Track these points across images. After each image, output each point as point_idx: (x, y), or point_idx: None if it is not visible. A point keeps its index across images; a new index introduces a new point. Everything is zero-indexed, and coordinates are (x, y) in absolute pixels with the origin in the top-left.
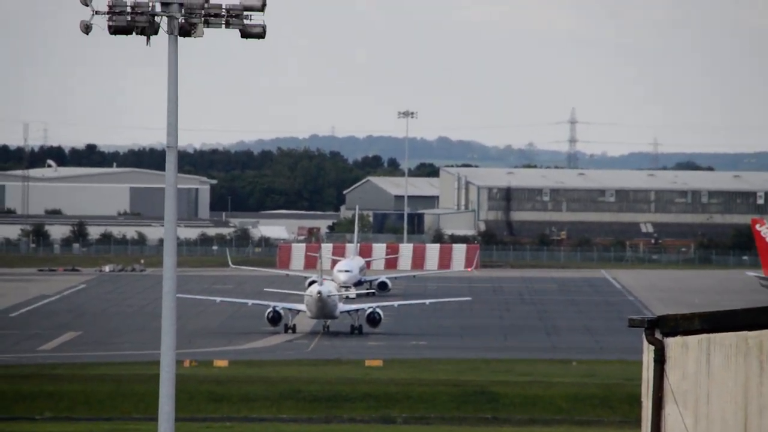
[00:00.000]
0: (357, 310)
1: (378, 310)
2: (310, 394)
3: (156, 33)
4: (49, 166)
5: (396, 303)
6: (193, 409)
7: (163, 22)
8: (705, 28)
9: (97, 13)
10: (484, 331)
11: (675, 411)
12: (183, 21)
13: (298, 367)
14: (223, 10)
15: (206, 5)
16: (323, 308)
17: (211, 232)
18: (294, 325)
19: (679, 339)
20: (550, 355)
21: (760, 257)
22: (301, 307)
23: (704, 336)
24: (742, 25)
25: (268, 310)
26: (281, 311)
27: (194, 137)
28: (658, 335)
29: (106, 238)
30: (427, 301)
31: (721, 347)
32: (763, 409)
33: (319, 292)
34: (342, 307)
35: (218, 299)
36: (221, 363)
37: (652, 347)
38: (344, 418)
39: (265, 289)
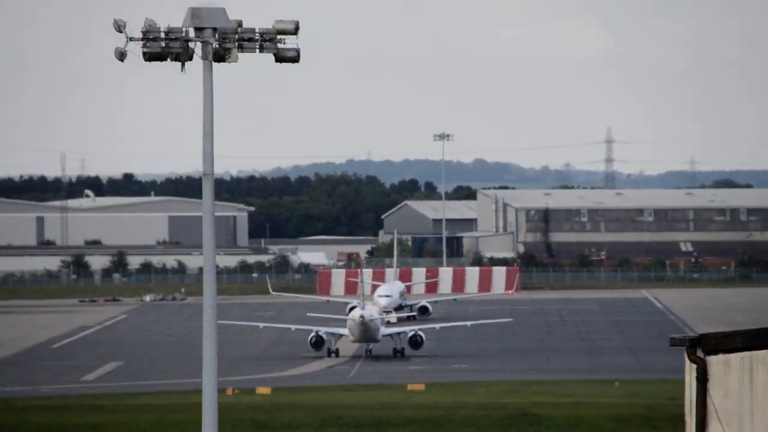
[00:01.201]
0: (399, 334)
1: (420, 332)
2: (352, 420)
3: (190, 59)
4: (87, 196)
5: (438, 326)
6: None
7: (198, 47)
8: (740, 43)
9: (131, 39)
10: (526, 353)
11: (719, 429)
12: (217, 46)
13: (340, 392)
14: (257, 35)
15: (240, 30)
16: (366, 332)
17: (251, 259)
18: (337, 349)
19: (721, 357)
20: (592, 376)
21: None
22: (344, 331)
23: (746, 354)
24: None
25: (311, 335)
26: (324, 336)
27: (231, 164)
28: (699, 354)
29: (146, 267)
30: (469, 323)
31: (764, 365)
32: None
33: (362, 316)
34: (384, 330)
35: (261, 325)
36: (264, 390)
37: (694, 366)
38: None
39: (308, 314)
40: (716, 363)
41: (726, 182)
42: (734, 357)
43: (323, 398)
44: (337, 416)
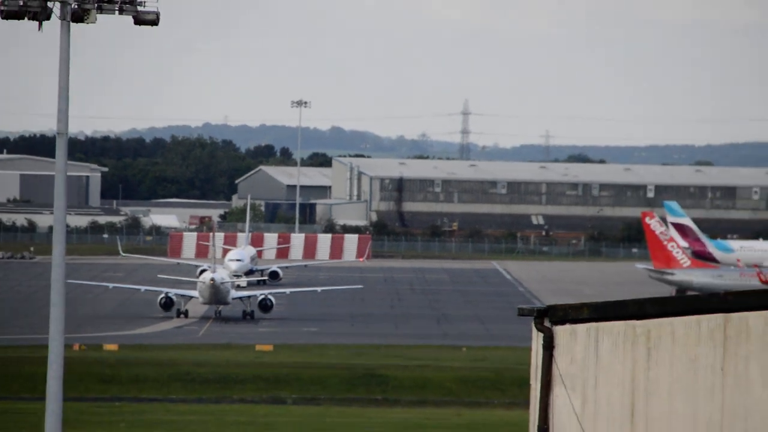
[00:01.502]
0: (249, 297)
1: (270, 296)
2: (200, 376)
3: (48, 18)
4: None
5: (288, 290)
6: (82, 389)
7: (56, 7)
8: (600, 21)
9: None
10: (375, 319)
11: (563, 393)
12: (76, 6)
13: (188, 351)
14: None
15: None
16: (216, 294)
17: (102, 220)
18: (186, 310)
19: (567, 327)
20: (441, 342)
21: (649, 250)
22: (194, 293)
23: (593, 324)
24: (637, 17)
25: (161, 296)
26: (174, 297)
27: (86, 124)
28: (547, 323)
29: None
30: (319, 289)
31: (609, 335)
32: (650, 393)
33: (212, 279)
34: (234, 293)
35: (111, 285)
36: (111, 347)
37: (541, 334)
38: (234, 399)
39: (158, 276)
40: (563, 332)
41: (579, 157)
42: (581, 327)
43: (171, 356)
44: (184, 372)
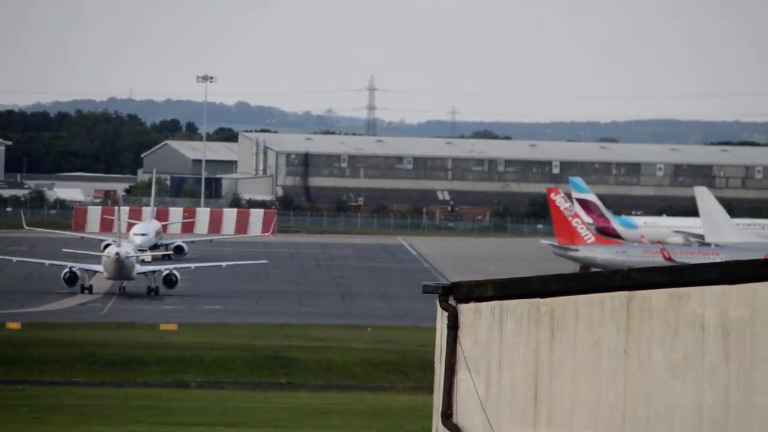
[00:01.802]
0: (154, 272)
1: (175, 271)
2: (103, 358)
3: None
4: None
5: (193, 265)
6: None
7: None
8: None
9: None
10: (280, 296)
11: (467, 377)
12: None
13: (91, 330)
14: None
15: None
16: (121, 269)
17: (6, 193)
18: (91, 285)
19: (472, 305)
20: (346, 321)
21: (554, 226)
22: (98, 268)
23: (497, 303)
24: None
25: (65, 270)
26: (78, 272)
27: None
28: (451, 302)
29: None
30: (224, 264)
31: (514, 314)
32: (553, 375)
33: (117, 253)
34: (139, 268)
35: (14, 259)
36: (14, 325)
37: (445, 314)
38: (138, 382)
39: (62, 250)
40: (467, 311)
41: (485, 133)
42: (485, 306)
43: (75, 335)
44: (88, 353)
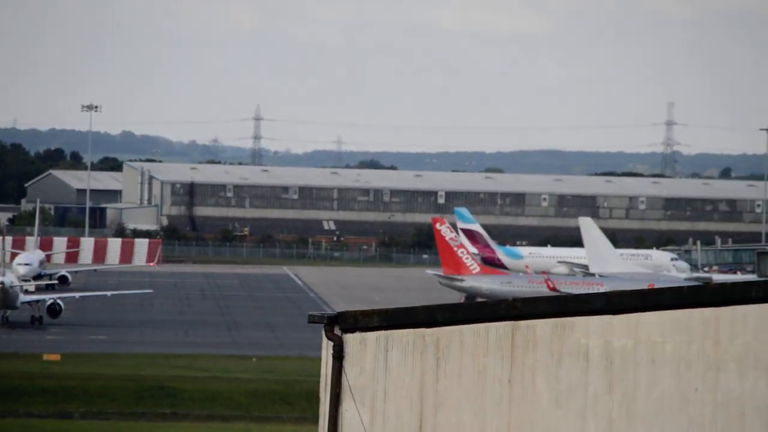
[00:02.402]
0: (38, 301)
1: (59, 301)
2: None
3: None
4: None
5: (77, 294)
6: None
7: None
8: (388, 29)
9: None
10: (164, 326)
11: (352, 407)
12: None
13: None
14: None
15: None
16: (5, 299)
17: None
18: None
19: (357, 335)
20: (231, 351)
21: (439, 256)
22: None
23: (383, 332)
24: (419, 24)
25: None
26: None
27: None
28: (337, 331)
29: None
30: (109, 293)
31: (399, 344)
32: (438, 405)
33: (2, 282)
34: (23, 298)
35: None
36: None
37: (331, 343)
38: (21, 413)
39: None
40: (353, 341)
41: (371, 163)
42: (371, 335)
43: None
44: None
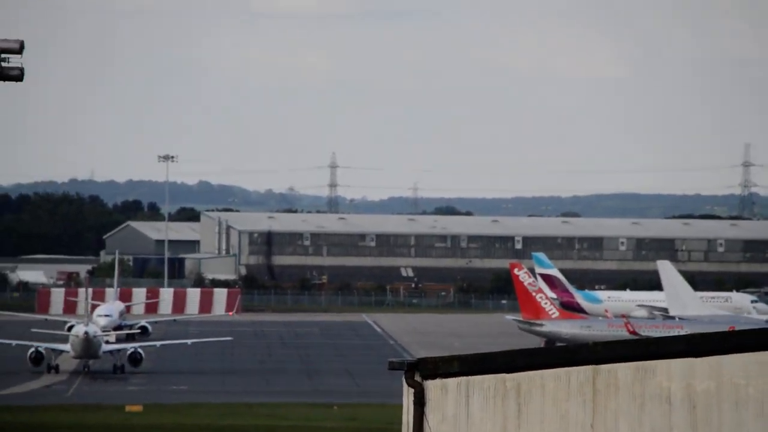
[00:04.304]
0: (119, 350)
1: (140, 349)
2: None
3: None
4: None
5: (158, 343)
6: None
7: None
8: (461, 72)
9: None
10: (245, 374)
11: None
12: None
13: (58, 412)
14: None
15: None
16: (88, 348)
17: None
18: (57, 365)
19: (438, 381)
20: (312, 399)
21: (518, 301)
22: (65, 347)
23: (463, 378)
24: (493, 66)
25: (31, 350)
26: (44, 351)
27: None
28: (417, 378)
29: None
30: (189, 341)
31: (480, 389)
32: None
33: (86, 332)
34: (105, 347)
35: None
36: None
37: (411, 390)
38: None
39: (31, 330)
40: (433, 387)
41: (447, 209)
42: (451, 381)
43: (41, 419)
44: None
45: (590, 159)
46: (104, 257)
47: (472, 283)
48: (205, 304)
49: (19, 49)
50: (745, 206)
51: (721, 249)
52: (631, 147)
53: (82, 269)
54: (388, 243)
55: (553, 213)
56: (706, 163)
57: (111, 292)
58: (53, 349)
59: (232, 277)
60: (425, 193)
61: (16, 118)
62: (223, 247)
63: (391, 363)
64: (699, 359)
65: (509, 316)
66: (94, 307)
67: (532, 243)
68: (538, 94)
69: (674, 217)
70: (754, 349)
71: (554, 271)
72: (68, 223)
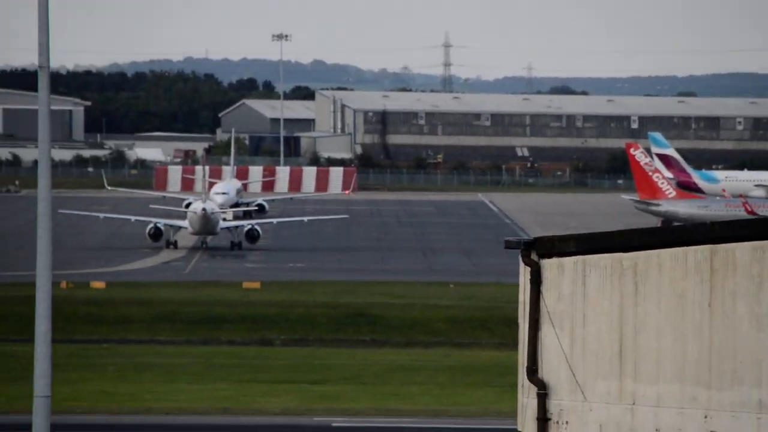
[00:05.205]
0: (237, 227)
1: (257, 227)
2: (187, 316)
3: None
4: None
5: (275, 220)
6: (70, 330)
7: None
8: None
9: None
10: (361, 253)
11: (551, 332)
12: None
13: (175, 288)
14: None
15: None
16: (206, 224)
17: (87, 153)
18: (176, 240)
19: (554, 260)
20: (428, 278)
21: (634, 181)
22: (183, 223)
23: (580, 258)
24: None
25: (150, 226)
26: (162, 227)
27: (67, 58)
28: (534, 257)
29: None
30: (306, 219)
31: (597, 268)
32: (638, 330)
33: (204, 209)
34: (222, 224)
35: (101, 215)
36: (98, 284)
37: (528, 269)
38: (222, 340)
39: (150, 206)
40: (550, 266)
41: (562, 89)
42: (568, 260)
43: (158, 294)
44: (171, 312)
45: (706, 38)
46: (220, 135)
47: (588, 162)
48: (321, 183)
49: None
50: None
51: None
52: (748, 26)
53: (198, 147)
54: (503, 122)
55: (669, 93)
56: None
57: (227, 170)
58: (172, 225)
59: (347, 155)
60: (539, 73)
61: None
62: (338, 125)
63: (507, 242)
64: None
65: (626, 196)
66: (211, 184)
67: (648, 123)
68: None
69: None
70: None
71: (671, 151)
72: (184, 101)
